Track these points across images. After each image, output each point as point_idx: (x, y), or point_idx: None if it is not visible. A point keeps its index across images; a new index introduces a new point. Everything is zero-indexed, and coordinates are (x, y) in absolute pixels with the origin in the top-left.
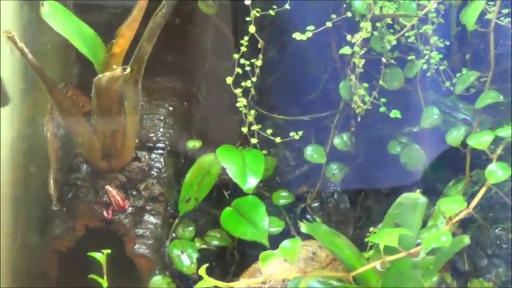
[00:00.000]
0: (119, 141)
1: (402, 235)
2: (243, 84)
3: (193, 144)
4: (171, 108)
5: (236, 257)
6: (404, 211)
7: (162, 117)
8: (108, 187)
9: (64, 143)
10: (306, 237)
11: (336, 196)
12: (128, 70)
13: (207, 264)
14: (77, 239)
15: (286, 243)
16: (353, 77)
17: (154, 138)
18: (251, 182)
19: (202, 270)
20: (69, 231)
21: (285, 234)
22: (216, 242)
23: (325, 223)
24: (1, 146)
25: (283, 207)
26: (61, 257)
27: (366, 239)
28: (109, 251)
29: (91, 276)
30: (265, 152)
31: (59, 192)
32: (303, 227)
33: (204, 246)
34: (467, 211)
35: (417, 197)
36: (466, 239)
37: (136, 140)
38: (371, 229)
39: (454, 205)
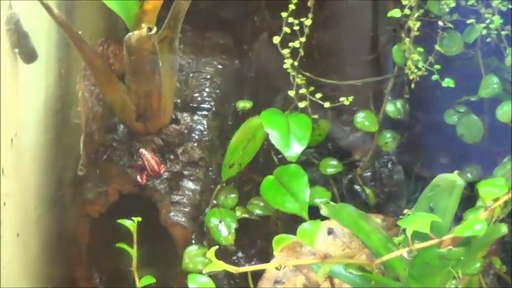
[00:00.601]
0: (154, 103)
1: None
2: (290, 44)
3: (244, 104)
4: (220, 67)
5: (280, 227)
6: (440, 194)
7: (209, 76)
8: (142, 150)
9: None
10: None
11: (389, 166)
12: (154, 30)
13: (216, 247)
14: (109, 204)
15: (305, 226)
16: (407, 40)
17: (199, 99)
18: (294, 150)
19: (211, 253)
20: (101, 195)
21: None
22: (258, 211)
23: (377, 195)
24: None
25: (331, 177)
26: (92, 223)
27: (397, 222)
28: (139, 218)
29: (118, 245)
30: (316, 116)
31: (93, 154)
32: (324, 209)
33: (246, 215)
34: (507, 196)
35: (454, 179)
36: (504, 228)
37: (178, 100)
38: (405, 211)
39: (494, 189)
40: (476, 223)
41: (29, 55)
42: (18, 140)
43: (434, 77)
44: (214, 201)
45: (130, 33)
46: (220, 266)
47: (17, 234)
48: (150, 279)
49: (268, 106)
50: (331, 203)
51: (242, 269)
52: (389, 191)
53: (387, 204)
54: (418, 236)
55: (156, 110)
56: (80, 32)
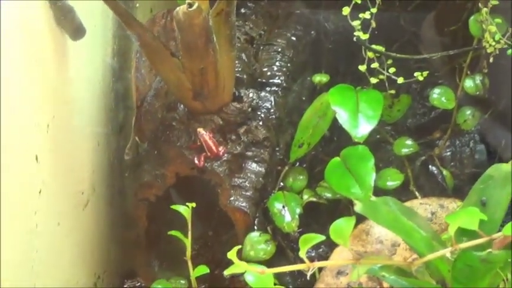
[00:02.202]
0: (210, 80)
1: (486, 215)
2: (361, 16)
3: (320, 78)
4: (293, 38)
5: (352, 212)
6: (493, 186)
7: (280, 49)
8: (200, 130)
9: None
10: (431, 191)
11: (471, 146)
12: (195, 5)
13: (239, 247)
14: (167, 187)
15: (338, 223)
16: (484, 10)
17: (268, 73)
18: (362, 130)
19: (232, 254)
20: (158, 178)
21: (405, 189)
22: (328, 194)
23: (456, 177)
24: (89, 83)
25: (407, 157)
26: (150, 207)
27: (445, 217)
28: (194, 204)
29: (171, 232)
30: (393, 91)
31: (152, 134)
32: (358, 205)
33: (313, 199)
34: None
35: (509, 169)
36: None
37: (245, 76)
38: (457, 204)
39: None
40: None
41: (75, 31)
42: (58, 122)
43: (510, 51)
44: (282, 184)
45: (177, 8)
46: (243, 267)
47: (58, 223)
48: (203, 269)
49: (347, 80)
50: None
51: (269, 270)
52: (470, 173)
53: (467, 188)
54: (467, 233)
55: (213, 87)
56: (137, 5)
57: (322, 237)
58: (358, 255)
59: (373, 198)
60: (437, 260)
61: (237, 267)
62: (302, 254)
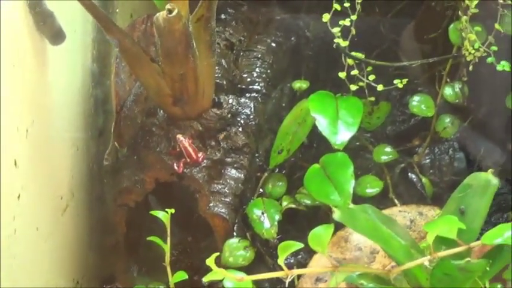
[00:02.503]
0: (190, 86)
1: (465, 223)
2: (341, 22)
3: (300, 85)
4: (273, 45)
5: (331, 219)
6: (471, 195)
7: (260, 55)
8: (179, 136)
9: None
10: (409, 199)
11: (450, 153)
12: (175, 12)
13: (217, 254)
14: (146, 193)
15: (317, 230)
16: (464, 18)
17: (248, 80)
18: (342, 137)
19: (210, 261)
20: (138, 184)
21: (384, 196)
22: (307, 201)
23: (435, 184)
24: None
25: (386, 165)
26: (129, 213)
27: (423, 226)
28: (173, 210)
29: (150, 238)
30: (373, 98)
31: (131, 139)
32: (336, 213)
33: (293, 205)
34: None
35: (488, 178)
36: None
37: (225, 82)
38: (436, 212)
39: None
40: (505, 230)
41: (55, 36)
42: (37, 127)
43: (490, 59)
44: (261, 190)
45: (157, 14)
46: (222, 274)
47: (36, 228)
48: (182, 275)
49: (328, 87)
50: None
51: (249, 277)
52: (449, 181)
53: (446, 196)
54: (445, 241)
55: (193, 93)
56: (117, 10)
57: (300, 245)
58: (337, 263)
59: (352, 205)
60: (416, 268)
61: (216, 274)
62: (281, 261)
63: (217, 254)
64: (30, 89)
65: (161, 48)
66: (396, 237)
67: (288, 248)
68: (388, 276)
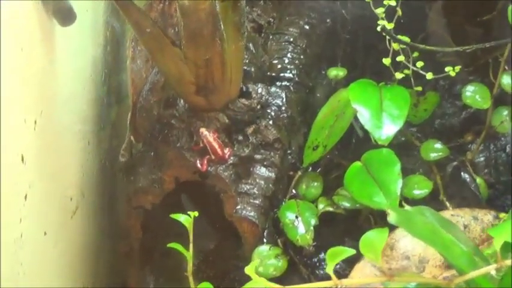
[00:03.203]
0: (216, 73)
1: None
2: (385, 2)
3: (336, 72)
4: (306, 27)
5: (372, 223)
6: None
7: (291, 39)
8: (203, 130)
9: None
10: (462, 201)
11: (508, 150)
12: None
13: (258, 261)
14: (165, 194)
15: (369, 235)
16: None
17: (278, 66)
18: (387, 131)
19: (250, 269)
20: (155, 183)
21: (434, 198)
22: (346, 204)
23: (491, 185)
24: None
25: (435, 163)
26: (146, 216)
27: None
28: (196, 213)
29: (170, 245)
30: (419, 88)
31: (148, 133)
32: (391, 216)
33: (330, 208)
34: None
35: None
36: None
37: (252, 69)
38: (501, 215)
39: None
40: None
41: (64, 16)
42: (46, 118)
43: None
44: (293, 191)
45: None
46: (262, 283)
47: (44, 232)
48: (207, 286)
49: (367, 75)
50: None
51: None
52: (507, 181)
53: (503, 198)
54: None
55: (219, 81)
56: None
57: (352, 251)
58: (388, 272)
59: (407, 207)
60: (481, 278)
61: (256, 283)
62: (329, 269)
63: (256, 262)
64: (38, 75)
65: (184, 30)
66: (458, 243)
67: (338, 254)
68: (450, 286)
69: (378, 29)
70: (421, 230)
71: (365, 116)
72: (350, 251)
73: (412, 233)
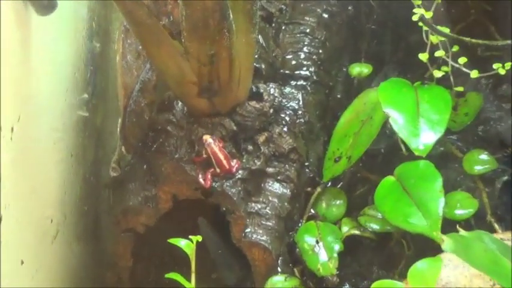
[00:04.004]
0: (222, 71)
1: None
2: None
3: (360, 70)
4: (325, 16)
5: (406, 249)
6: None
7: (308, 30)
8: (207, 139)
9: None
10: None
11: None
12: None
13: None
14: (161, 214)
15: (420, 266)
16: None
17: (293, 62)
18: (426, 139)
19: None
20: (149, 202)
21: (480, 219)
22: (375, 226)
23: None
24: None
25: (481, 177)
26: (137, 241)
27: None
28: (199, 238)
29: (169, 275)
30: (461, 88)
31: (139, 142)
32: (447, 243)
33: (356, 232)
34: None
35: None
36: None
37: (263, 65)
38: None
39: None
40: None
41: (43, 4)
42: (23, 126)
43: None
44: (312, 211)
45: None
46: None
47: (21, 261)
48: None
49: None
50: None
51: None
52: None
53: None
54: None
55: (225, 81)
56: None
57: (400, 285)
58: None
59: (463, 232)
60: None
61: None
62: None
63: None
64: (14, 73)
65: (186, 20)
66: None
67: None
68: None
69: (414, 18)
70: (481, 259)
71: (399, 122)
72: (398, 284)
73: (471, 262)
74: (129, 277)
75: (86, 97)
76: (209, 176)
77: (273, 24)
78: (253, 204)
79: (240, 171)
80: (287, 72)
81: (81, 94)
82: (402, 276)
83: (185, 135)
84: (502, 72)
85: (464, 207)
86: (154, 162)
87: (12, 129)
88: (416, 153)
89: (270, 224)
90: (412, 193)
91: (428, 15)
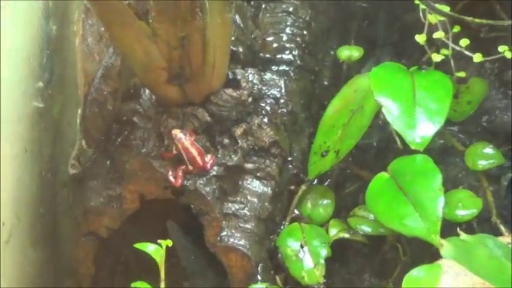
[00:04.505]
0: (195, 55)
1: None
2: None
3: (349, 53)
4: None
5: (401, 254)
6: None
7: (291, 8)
8: (177, 133)
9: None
10: None
11: None
12: None
13: None
14: (126, 216)
15: (416, 274)
16: None
17: (274, 45)
18: (423, 131)
19: None
20: (113, 202)
21: (483, 221)
22: (366, 228)
23: None
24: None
25: (484, 173)
26: (100, 245)
27: None
28: (169, 242)
29: (134, 285)
30: (462, 74)
31: (102, 136)
32: (446, 248)
33: (345, 234)
34: None
35: None
36: None
37: (240, 48)
38: None
39: None
40: None
41: None
42: None
43: None
44: (296, 211)
45: None
46: None
47: None
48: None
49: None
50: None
51: None
52: None
53: None
54: None
55: (198, 66)
56: None
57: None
58: None
59: (465, 236)
60: None
61: None
62: None
63: None
64: None
65: None
66: None
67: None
68: None
69: None
70: (485, 266)
71: (393, 112)
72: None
73: (473, 269)
74: (90, 285)
75: (42, 85)
76: (180, 173)
77: (252, 2)
78: (229, 205)
79: (215, 168)
80: (267, 56)
81: (37, 82)
82: (397, 285)
83: (153, 127)
84: (508, 55)
85: (467, 207)
86: (118, 157)
87: None
88: (413, 147)
89: (249, 226)
90: (408, 191)
91: None
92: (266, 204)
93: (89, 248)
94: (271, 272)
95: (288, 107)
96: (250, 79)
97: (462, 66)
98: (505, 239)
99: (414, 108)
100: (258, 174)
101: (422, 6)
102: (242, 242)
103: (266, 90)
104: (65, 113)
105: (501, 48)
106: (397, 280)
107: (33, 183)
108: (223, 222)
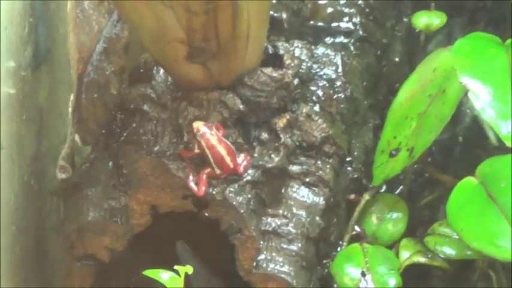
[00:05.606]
0: (223, 24)
1: None
2: None
3: (428, 20)
4: None
5: (494, 283)
6: None
7: None
8: (199, 126)
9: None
10: None
11: None
12: None
13: None
14: (133, 234)
15: None
16: None
17: (329, 10)
18: None
19: None
20: (116, 217)
21: None
22: (449, 251)
23: None
24: None
25: None
26: (100, 272)
27: None
28: (190, 269)
29: None
30: None
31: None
32: None
33: (421, 258)
34: None
35: None
36: None
37: (284, 15)
38: None
39: None
40: None
41: None
42: None
43: None
44: (357, 229)
45: None
46: None
47: None
48: None
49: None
50: None
51: None
52: None
53: None
54: None
55: (228, 38)
56: None
57: None
58: None
59: None
60: None
61: None
62: None
63: None
64: None
65: None
66: None
67: None
68: None
69: None
70: None
71: (482, 98)
72: None
73: None
74: None
75: (23, 64)
76: (204, 178)
77: None
78: (269, 219)
79: (249, 171)
80: (320, 24)
81: (16, 60)
82: None
83: (169, 118)
84: None
85: None
86: (124, 157)
87: None
88: (508, 144)
89: (295, 248)
90: (502, 202)
91: None
92: (317, 218)
93: (86, 276)
94: None
95: (347, 91)
96: (296, 55)
97: None
98: None
99: (510, 92)
100: (307, 180)
101: None
102: (285, 269)
103: (317, 70)
104: (54, 99)
105: None
106: None
107: (10, 192)
108: (261, 243)
